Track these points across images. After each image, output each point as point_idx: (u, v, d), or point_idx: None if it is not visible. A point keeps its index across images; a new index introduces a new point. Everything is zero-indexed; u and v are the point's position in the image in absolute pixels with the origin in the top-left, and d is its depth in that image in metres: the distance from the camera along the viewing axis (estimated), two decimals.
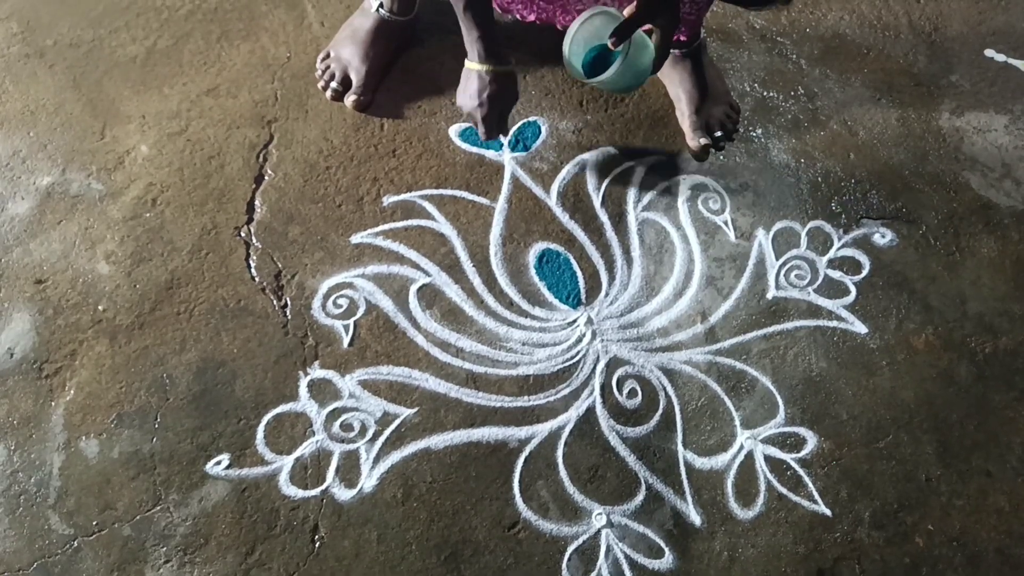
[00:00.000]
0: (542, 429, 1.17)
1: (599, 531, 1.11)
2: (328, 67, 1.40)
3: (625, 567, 1.09)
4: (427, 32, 1.46)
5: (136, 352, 1.18)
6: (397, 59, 1.44)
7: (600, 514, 1.12)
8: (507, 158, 1.37)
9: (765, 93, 1.48)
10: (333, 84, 1.38)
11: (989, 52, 1.55)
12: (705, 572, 1.10)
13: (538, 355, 1.22)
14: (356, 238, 1.28)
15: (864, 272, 1.32)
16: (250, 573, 1.06)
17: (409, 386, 1.19)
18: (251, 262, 1.25)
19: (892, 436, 1.20)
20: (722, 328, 1.26)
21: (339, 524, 1.09)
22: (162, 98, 1.38)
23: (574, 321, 1.25)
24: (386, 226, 1.30)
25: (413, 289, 1.25)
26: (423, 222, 1.31)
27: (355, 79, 1.38)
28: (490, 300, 1.26)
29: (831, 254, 1.33)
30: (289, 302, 1.23)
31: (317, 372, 1.18)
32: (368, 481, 1.12)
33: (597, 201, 1.35)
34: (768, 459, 1.17)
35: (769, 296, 1.29)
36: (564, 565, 1.09)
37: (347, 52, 1.39)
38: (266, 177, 1.32)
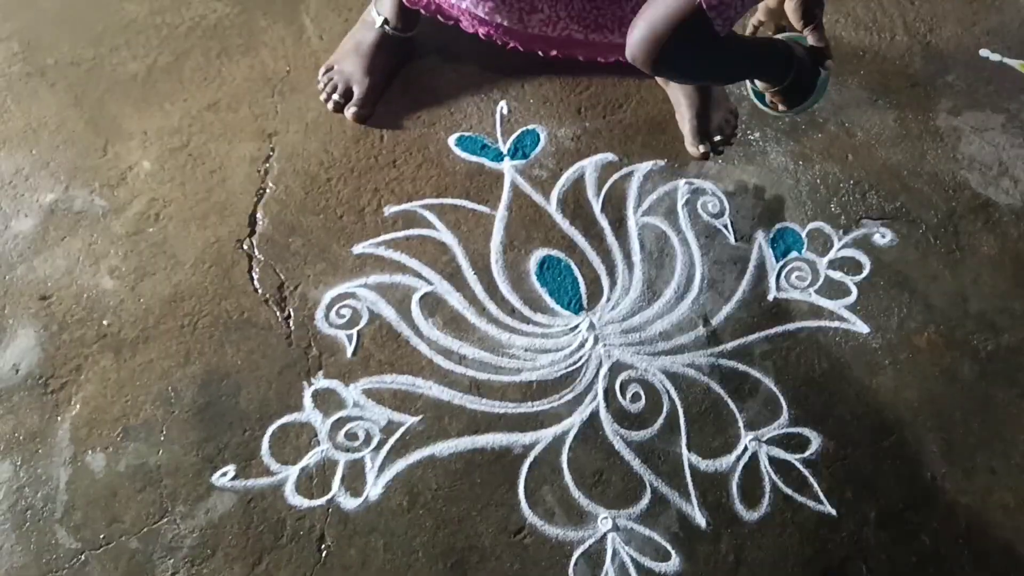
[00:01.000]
0: (546, 434, 1.17)
1: (605, 535, 1.11)
2: (331, 79, 1.41)
3: (632, 570, 1.09)
4: (426, 46, 1.47)
5: (141, 366, 1.18)
6: (398, 72, 1.45)
7: (606, 518, 1.12)
8: (507, 166, 1.38)
9: None
10: (335, 96, 1.40)
11: (984, 52, 1.55)
12: (712, 574, 1.10)
13: (541, 361, 1.22)
14: (358, 248, 1.29)
15: (865, 272, 1.32)
16: None
17: (413, 394, 1.19)
18: (254, 274, 1.26)
19: (896, 435, 1.20)
20: (724, 330, 1.26)
21: (345, 533, 1.09)
22: (163, 114, 1.39)
23: (576, 326, 1.25)
24: (387, 236, 1.30)
25: (415, 298, 1.26)
26: (424, 231, 1.31)
27: (357, 91, 1.39)
28: (492, 307, 1.26)
29: (831, 255, 1.33)
30: (292, 313, 1.23)
31: (321, 382, 1.19)
32: (374, 489, 1.12)
33: (597, 207, 1.35)
34: (773, 460, 1.17)
35: (770, 298, 1.29)
36: (571, 570, 1.09)
37: (350, 65, 1.40)
38: (267, 190, 1.33)
